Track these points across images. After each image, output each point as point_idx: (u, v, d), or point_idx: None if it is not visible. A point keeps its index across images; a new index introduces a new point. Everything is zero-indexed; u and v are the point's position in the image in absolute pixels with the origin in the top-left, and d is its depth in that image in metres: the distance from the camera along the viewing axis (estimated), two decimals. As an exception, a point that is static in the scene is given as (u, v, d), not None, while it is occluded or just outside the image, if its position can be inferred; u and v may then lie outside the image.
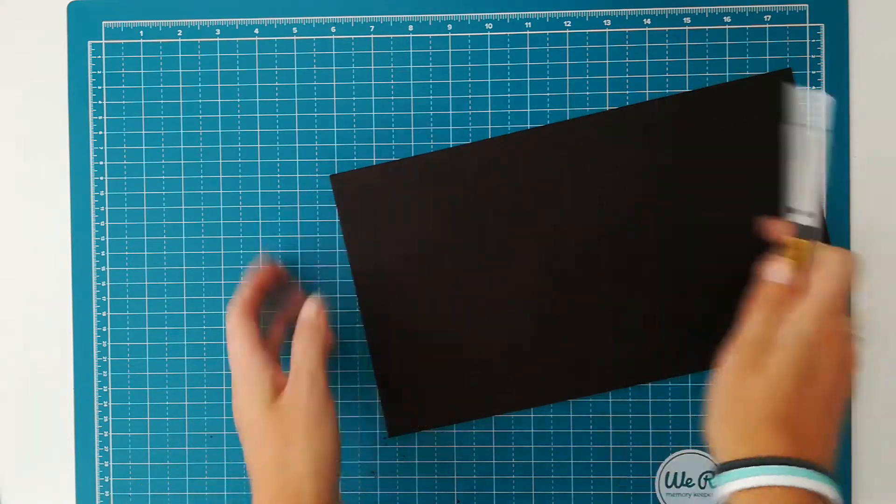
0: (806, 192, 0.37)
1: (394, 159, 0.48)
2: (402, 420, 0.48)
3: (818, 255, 0.38)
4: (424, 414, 0.48)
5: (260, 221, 0.49)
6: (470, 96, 0.48)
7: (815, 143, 0.37)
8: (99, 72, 0.50)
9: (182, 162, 0.49)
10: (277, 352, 0.46)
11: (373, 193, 0.48)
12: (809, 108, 0.37)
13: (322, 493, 0.39)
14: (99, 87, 0.50)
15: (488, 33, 0.48)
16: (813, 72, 0.47)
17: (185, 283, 0.49)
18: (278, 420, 0.40)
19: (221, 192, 0.49)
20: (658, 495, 0.48)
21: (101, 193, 0.49)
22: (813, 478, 0.33)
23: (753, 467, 0.34)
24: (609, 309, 0.47)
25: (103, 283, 0.49)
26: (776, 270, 0.38)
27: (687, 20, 0.48)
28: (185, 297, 0.49)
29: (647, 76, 0.48)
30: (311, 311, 0.43)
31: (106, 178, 0.50)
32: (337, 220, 0.49)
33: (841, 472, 0.47)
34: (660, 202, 0.47)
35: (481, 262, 0.47)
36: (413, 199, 0.47)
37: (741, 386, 0.36)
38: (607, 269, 0.47)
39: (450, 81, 0.48)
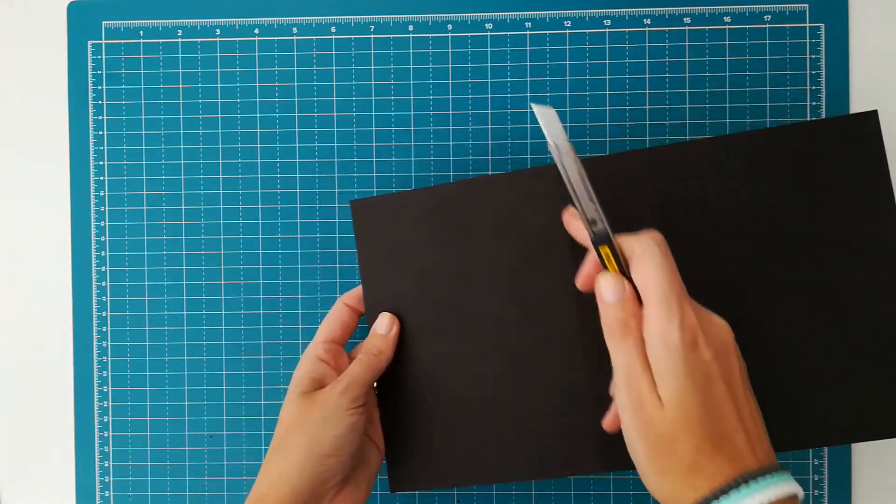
0: (585, 201, 0.35)
1: (419, 187, 0.44)
2: (405, 476, 0.43)
3: (626, 248, 0.35)
4: (431, 472, 0.43)
5: (260, 221, 0.49)
6: (470, 96, 0.48)
7: (564, 153, 0.35)
8: (99, 72, 0.50)
9: (182, 162, 0.49)
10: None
11: (394, 222, 0.43)
12: (542, 123, 0.35)
13: (301, 477, 0.39)
14: (99, 87, 0.50)
15: (488, 33, 0.48)
16: (813, 72, 0.47)
17: (185, 283, 0.49)
18: (304, 409, 0.40)
19: (221, 192, 0.49)
20: (658, 495, 0.48)
21: (101, 193, 0.50)
22: (773, 483, 0.31)
23: None
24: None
25: (103, 283, 0.49)
26: (612, 289, 0.35)
27: (687, 20, 0.48)
28: (185, 297, 0.49)
29: (647, 76, 0.48)
30: (383, 323, 0.43)
31: (106, 178, 0.50)
32: (337, 219, 0.49)
33: (842, 474, 0.47)
34: (718, 248, 0.41)
35: (507, 306, 0.42)
36: (437, 232, 0.43)
37: (652, 430, 0.33)
38: None
39: (450, 81, 0.48)
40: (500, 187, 0.42)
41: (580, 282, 0.38)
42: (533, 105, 0.36)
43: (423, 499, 0.49)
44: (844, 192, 0.41)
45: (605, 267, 0.36)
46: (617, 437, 0.36)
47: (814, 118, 0.44)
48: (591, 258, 0.37)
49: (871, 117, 0.41)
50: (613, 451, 0.40)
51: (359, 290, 0.44)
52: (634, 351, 0.34)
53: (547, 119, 0.35)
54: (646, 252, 0.34)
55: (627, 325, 0.34)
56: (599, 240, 0.35)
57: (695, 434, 0.32)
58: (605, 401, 0.39)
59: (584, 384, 0.41)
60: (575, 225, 0.39)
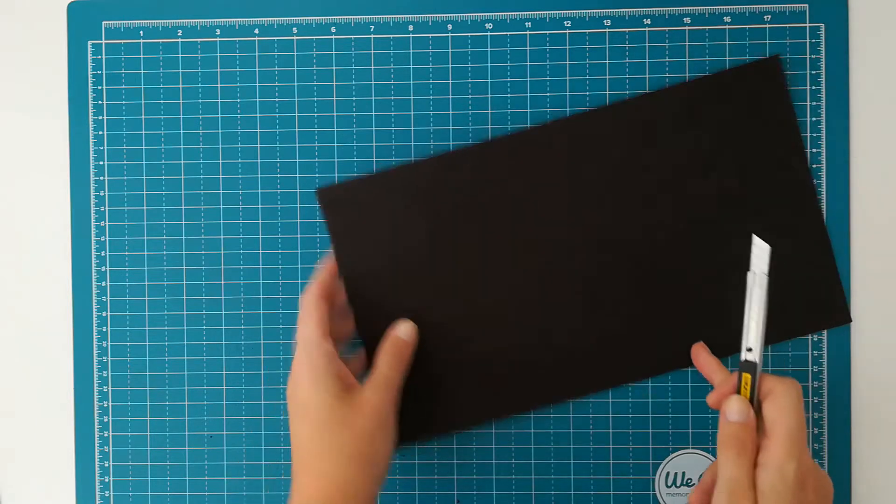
0: (752, 330, 0.39)
1: (382, 169, 0.47)
2: (408, 431, 0.46)
3: (766, 384, 0.39)
4: (420, 427, 0.47)
5: (260, 221, 0.49)
6: (470, 96, 0.48)
7: (761, 286, 0.39)
8: (99, 72, 0.50)
9: (182, 162, 0.49)
10: (342, 345, 0.46)
11: (361, 206, 0.47)
12: (756, 253, 0.39)
13: (366, 489, 0.40)
14: (99, 87, 0.50)
15: (488, 33, 0.48)
16: (813, 72, 0.47)
17: (185, 283, 0.49)
18: (349, 412, 0.41)
19: (221, 192, 0.49)
20: (658, 495, 0.48)
21: (101, 193, 0.50)
22: None
23: None
24: (611, 307, 0.47)
25: (103, 283, 0.49)
26: (738, 410, 0.38)
27: (687, 20, 0.48)
28: (185, 297, 0.49)
29: (647, 76, 0.48)
30: (406, 329, 0.45)
31: (106, 178, 0.50)
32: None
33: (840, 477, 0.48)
34: (657, 199, 0.46)
35: (477, 269, 0.47)
36: (404, 209, 0.46)
37: None
38: (611, 269, 0.47)
39: (450, 81, 0.48)
40: (465, 162, 0.46)
41: (713, 399, 0.41)
42: (755, 237, 0.40)
43: (423, 499, 0.49)
44: (754, 140, 0.46)
45: (738, 391, 0.39)
46: (604, 359, 0.47)
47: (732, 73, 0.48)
48: (730, 382, 0.41)
49: (773, 62, 0.46)
50: (603, 372, 0.47)
51: (322, 281, 0.44)
52: (745, 470, 0.37)
53: (762, 254, 0.39)
54: (786, 394, 0.38)
55: (744, 446, 0.38)
56: (747, 368, 0.39)
57: None
58: (581, 333, 0.47)
59: (557, 335, 0.47)
60: (704, 358, 0.45)
